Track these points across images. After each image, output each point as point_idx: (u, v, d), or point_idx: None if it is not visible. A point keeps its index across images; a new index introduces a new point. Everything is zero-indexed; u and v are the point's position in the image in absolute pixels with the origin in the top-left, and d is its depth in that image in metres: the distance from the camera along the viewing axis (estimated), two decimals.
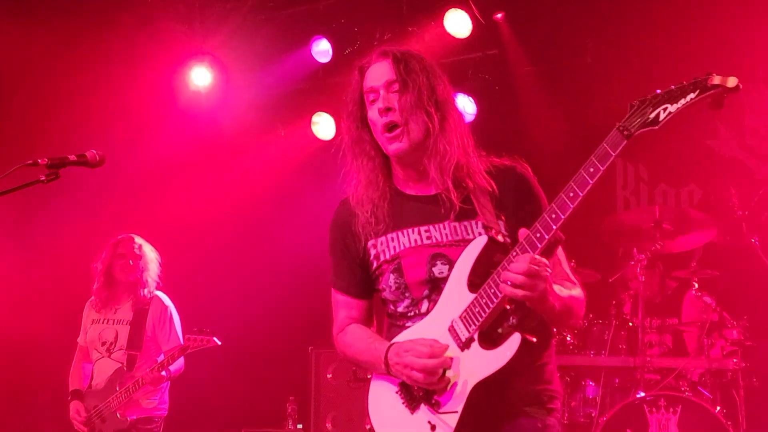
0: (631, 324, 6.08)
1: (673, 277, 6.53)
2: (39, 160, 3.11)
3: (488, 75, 7.88)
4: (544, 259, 2.50)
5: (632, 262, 6.05)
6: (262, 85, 8.32)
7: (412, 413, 2.72)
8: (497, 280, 2.55)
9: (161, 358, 5.67)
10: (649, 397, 5.47)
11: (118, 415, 5.59)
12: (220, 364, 8.13)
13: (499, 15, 7.55)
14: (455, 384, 2.62)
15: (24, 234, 7.69)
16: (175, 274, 6.37)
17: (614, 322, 6.09)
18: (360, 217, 2.91)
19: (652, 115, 2.35)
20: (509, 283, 2.48)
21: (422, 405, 2.69)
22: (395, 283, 2.84)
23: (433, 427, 2.66)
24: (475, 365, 2.59)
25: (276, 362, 8.23)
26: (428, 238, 2.80)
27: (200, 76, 8.12)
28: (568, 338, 6.15)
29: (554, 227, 2.48)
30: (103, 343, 5.84)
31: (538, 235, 2.50)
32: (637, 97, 2.53)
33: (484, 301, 2.58)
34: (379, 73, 2.82)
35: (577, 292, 2.76)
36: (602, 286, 6.55)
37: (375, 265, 2.90)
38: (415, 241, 2.81)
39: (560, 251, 2.78)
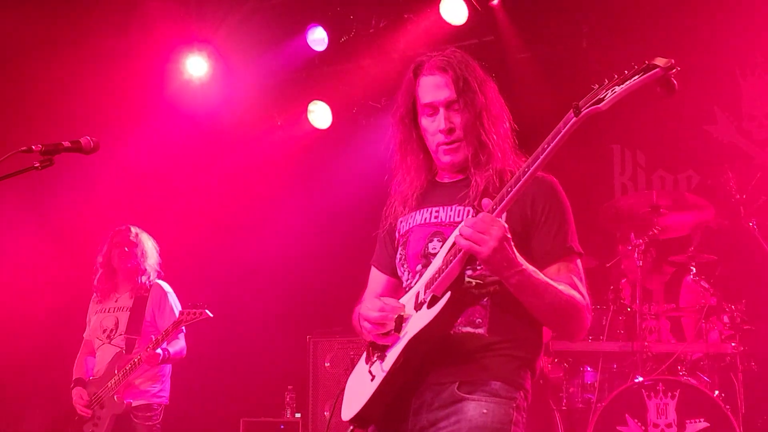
0: (629, 309, 6.07)
1: (670, 262, 6.52)
2: (33, 147, 3.11)
3: (485, 62, 7.80)
4: (501, 221, 2.56)
5: (629, 247, 6.04)
6: (257, 74, 8.29)
7: (369, 368, 2.88)
8: (455, 249, 2.66)
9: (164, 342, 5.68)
10: (647, 382, 5.46)
11: (116, 398, 5.60)
12: (219, 353, 8.15)
13: (495, 1, 7.50)
14: (401, 340, 2.75)
15: (16, 223, 7.65)
16: (172, 264, 6.36)
17: (612, 308, 6.08)
18: (400, 200, 3.09)
19: (602, 95, 2.42)
20: (460, 236, 2.58)
21: (376, 361, 2.83)
22: (400, 255, 3.04)
23: (372, 377, 2.81)
24: (416, 323, 2.72)
25: (274, 351, 8.23)
26: (435, 217, 2.97)
27: (195, 65, 8.08)
28: None
29: (505, 199, 2.57)
30: (104, 331, 5.90)
31: (493, 206, 2.61)
32: None
33: (442, 266, 2.70)
34: (438, 88, 2.94)
35: (572, 292, 2.74)
36: (600, 271, 6.55)
37: (396, 239, 3.09)
38: (425, 219, 2.99)
39: (577, 265, 2.85)
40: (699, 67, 7.23)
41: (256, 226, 8.42)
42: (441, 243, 2.87)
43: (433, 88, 2.93)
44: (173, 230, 7.68)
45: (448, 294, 2.64)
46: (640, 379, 5.53)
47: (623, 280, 6.61)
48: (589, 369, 6.27)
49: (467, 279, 2.67)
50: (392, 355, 2.74)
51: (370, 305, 2.84)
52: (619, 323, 6.07)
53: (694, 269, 5.99)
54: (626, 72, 2.41)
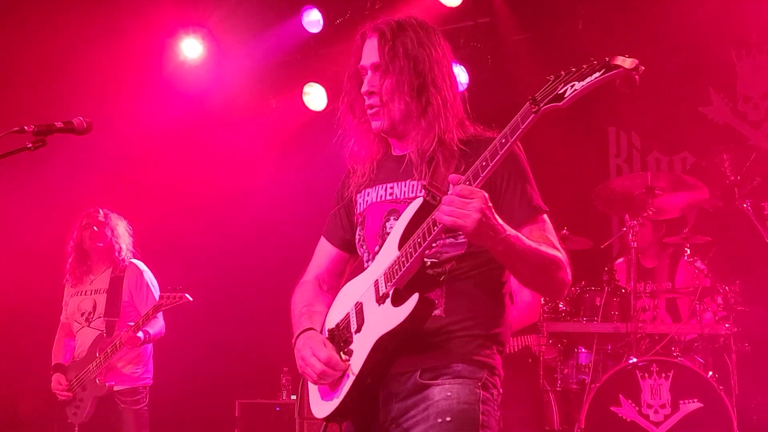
0: (623, 290, 6.09)
1: (665, 243, 6.54)
2: (26, 127, 3.09)
3: (480, 43, 7.84)
4: (481, 191, 2.45)
5: (624, 228, 6.06)
6: (252, 56, 8.27)
7: None
8: (416, 240, 2.58)
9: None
10: (641, 363, 5.48)
11: (98, 381, 5.58)
12: (215, 335, 8.16)
13: None
14: (366, 336, 2.69)
15: (5, 205, 7.61)
16: (165, 247, 6.35)
17: (606, 289, 6.09)
18: (357, 169, 2.99)
19: (560, 92, 2.32)
20: (441, 212, 2.47)
21: (345, 358, 2.75)
22: (359, 236, 2.95)
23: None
24: (382, 321, 2.65)
25: (270, 333, 8.22)
26: (390, 194, 2.88)
27: (190, 48, 8.06)
28: (561, 305, 6.17)
29: (480, 175, 2.50)
30: (83, 314, 5.87)
31: (468, 179, 2.52)
32: None
33: (402, 259, 2.62)
34: (368, 51, 2.85)
35: (553, 251, 2.66)
36: (595, 252, 6.56)
37: (355, 215, 2.99)
38: (380, 196, 2.90)
39: (546, 221, 2.77)
40: (694, 49, 7.23)
41: (251, 208, 8.41)
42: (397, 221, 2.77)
43: (366, 51, 2.85)
44: (167, 212, 7.67)
45: (416, 296, 2.57)
46: (634, 360, 5.54)
47: (618, 261, 6.63)
48: (583, 350, 6.29)
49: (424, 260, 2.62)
50: (360, 355, 2.68)
51: (312, 350, 2.76)
52: (614, 304, 6.09)
53: (688, 250, 6.00)
54: (584, 67, 2.31)
